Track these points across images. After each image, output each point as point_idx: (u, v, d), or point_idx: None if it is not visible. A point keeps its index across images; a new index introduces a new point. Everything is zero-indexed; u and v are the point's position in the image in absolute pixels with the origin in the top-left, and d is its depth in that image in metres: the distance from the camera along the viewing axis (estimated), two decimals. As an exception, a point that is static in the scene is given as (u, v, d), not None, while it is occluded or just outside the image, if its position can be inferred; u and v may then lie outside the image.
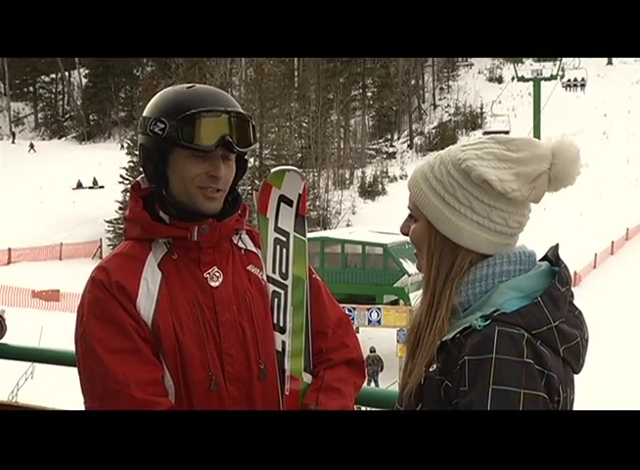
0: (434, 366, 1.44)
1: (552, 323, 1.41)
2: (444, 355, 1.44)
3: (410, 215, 1.56)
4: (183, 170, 1.77)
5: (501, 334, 1.37)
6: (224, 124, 1.76)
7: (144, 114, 1.84)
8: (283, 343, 1.85)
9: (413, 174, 1.56)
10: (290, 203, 1.91)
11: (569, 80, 54.03)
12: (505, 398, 1.33)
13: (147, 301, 1.76)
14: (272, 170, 1.92)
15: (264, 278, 1.88)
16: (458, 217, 1.48)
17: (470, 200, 1.48)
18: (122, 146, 45.48)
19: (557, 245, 1.56)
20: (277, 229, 1.91)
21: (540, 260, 1.54)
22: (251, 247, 1.91)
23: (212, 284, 1.81)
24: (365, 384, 1.97)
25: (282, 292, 1.88)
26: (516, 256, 1.50)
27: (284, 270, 1.89)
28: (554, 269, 1.51)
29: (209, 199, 1.79)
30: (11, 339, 2.99)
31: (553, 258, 1.53)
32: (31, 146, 57.91)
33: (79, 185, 49.08)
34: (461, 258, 1.49)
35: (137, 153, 1.90)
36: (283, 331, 1.85)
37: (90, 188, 48.64)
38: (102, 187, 48.13)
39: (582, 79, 53.30)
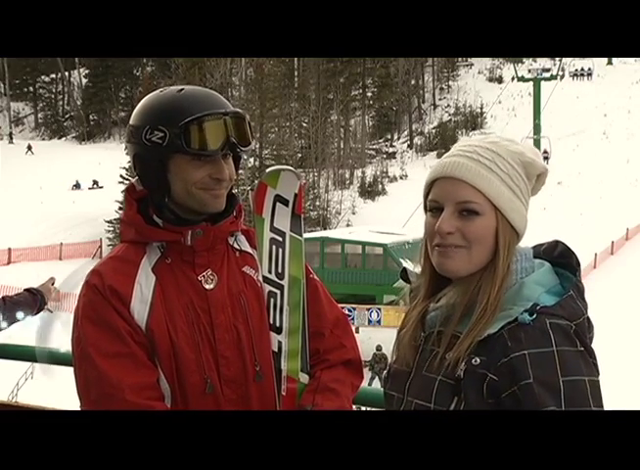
0: (477, 360, 1.45)
1: (585, 314, 1.48)
2: (487, 349, 1.45)
3: (462, 212, 1.51)
4: (185, 175, 1.76)
5: (553, 326, 1.42)
6: (226, 127, 1.75)
7: (133, 122, 1.80)
8: (279, 343, 1.85)
9: (468, 169, 1.51)
10: (285, 202, 1.90)
11: (575, 70, 54.77)
12: (575, 387, 1.38)
13: (141, 305, 1.75)
14: (267, 170, 1.91)
15: (260, 279, 1.87)
16: (524, 208, 1.55)
17: (525, 191, 1.55)
18: (126, 147, 45.26)
19: (557, 242, 1.59)
20: (273, 229, 1.90)
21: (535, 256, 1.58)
22: (246, 248, 1.91)
23: (207, 286, 1.80)
24: (366, 383, 1.97)
25: (278, 292, 1.87)
26: (528, 253, 1.56)
27: (280, 270, 1.89)
28: (557, 269, 1.55)
29: (215, 197, 1.78)
30: (11, 339, 2.99)
31: (552, 254, 1.57)
32: (29, 148, 55.99)
33: (77, 185, 48.63)
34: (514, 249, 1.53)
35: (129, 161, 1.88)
36: (279, 331, 1.85)
37: (90, 189, 48.45)
38: (101, 187, 47.96)
39: (589, 69, 53.94)
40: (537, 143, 44.03)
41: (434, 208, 1.55)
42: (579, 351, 1.42)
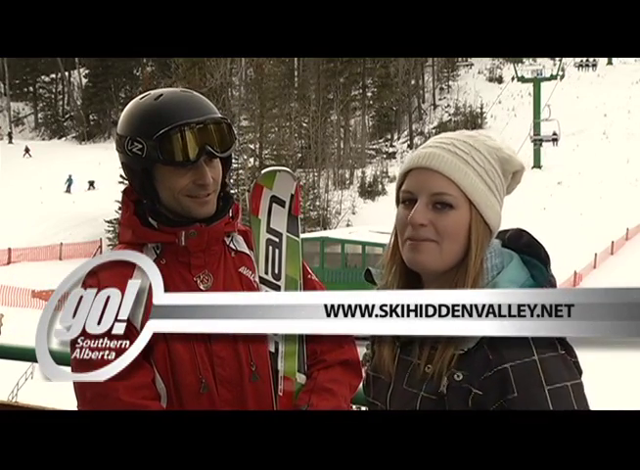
0: (460, 375, 1.41)
1: None
2: (469, 363, 1.41)
3: (436, 204, 1.47)
4: (170, 183, 1.78)
5: None
6: (202, 135, 1.74)
7: (118, 131, 1.82)
8: (276, 343, 1.84)
9: (444, 160, 1.47)
10: (282, 203, 1.90)
11: (581, 61, 55.48)
12: (560, 394, 1.36)
13: (135, 305, 1.76)
14: (263, 171, 1.91)
15: (256, 280, 1.87)
16: (498, 205, 1.50)
17: (501, 188, 1.51)
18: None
19: (521, 230, 1.55)
20: (269, 230, 1.90)
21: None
22: (243, 248, 1.91)
23: (202, 287, 1.81)
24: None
25: None
26: (497, 247, 1.51)
27: (276, 271, 1.88)
28: (524, 257, 1.51)
29: (202, 204, 1.79)
30: (11, 339, 2.99)
31: (518, 243, 1.53)
32: (27, 150, 53.66)
33: (69, 182, 46.76)
34: (488, 246, 1.49)
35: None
36: (276, 332, 1.85)
37: (87, 190, 48.08)
38: (96, 189, 47.39)
39: (594, 60, 54.57)
40: (537, 126, 44.87)
41: (407, 199, 1.50)
42: (560, 354, 1.39)
